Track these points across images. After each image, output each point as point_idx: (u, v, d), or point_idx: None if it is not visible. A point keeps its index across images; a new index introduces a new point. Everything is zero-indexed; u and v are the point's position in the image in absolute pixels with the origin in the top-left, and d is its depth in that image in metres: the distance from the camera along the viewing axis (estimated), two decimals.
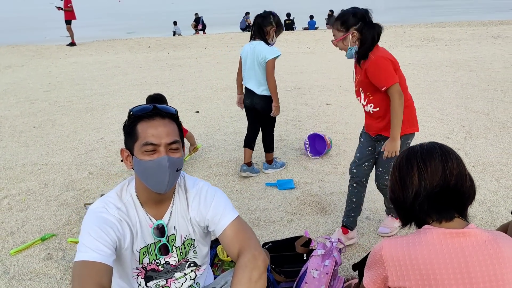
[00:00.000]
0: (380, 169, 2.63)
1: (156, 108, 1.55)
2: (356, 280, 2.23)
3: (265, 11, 3.66)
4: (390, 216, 2.93)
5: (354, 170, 2.72)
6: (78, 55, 12.40)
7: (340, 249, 2.09)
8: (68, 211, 3.27)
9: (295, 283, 2.11)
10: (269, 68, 3.57)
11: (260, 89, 3.67)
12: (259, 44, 3.57)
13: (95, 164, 4.22)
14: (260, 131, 3.92)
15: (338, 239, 2.10)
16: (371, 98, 2.52)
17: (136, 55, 12.12)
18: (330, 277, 1.97)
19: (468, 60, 9.46)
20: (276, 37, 3.68)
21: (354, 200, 2.74)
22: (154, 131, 1.50)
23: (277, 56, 3.60)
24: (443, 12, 27.81)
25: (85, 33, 18.88)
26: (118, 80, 8.53)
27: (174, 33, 18.92)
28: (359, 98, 2.62)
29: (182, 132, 1.62)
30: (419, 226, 1.47)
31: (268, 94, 3.66)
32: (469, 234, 1.35)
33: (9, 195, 3.57)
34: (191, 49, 13.27)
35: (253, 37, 3.65)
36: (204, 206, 1.66)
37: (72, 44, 14.37)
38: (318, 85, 7.53)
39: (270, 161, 3.98)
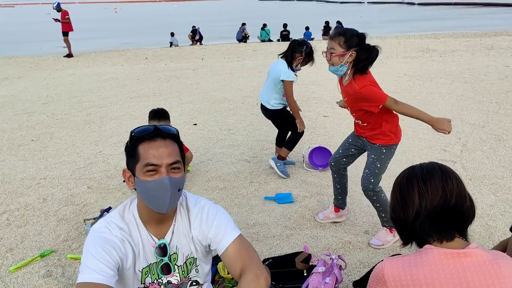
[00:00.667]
0: (367, 171, 2.79)
1: (157, 129, 1.58)
2: None
3: (304, 40, 3.94)
4: (385, 228, 2.96)
5: (333, 163, 3.06)
6: (75, 67, 12.42)
7: (341, 266, 2.10)
8: (67, 226, 3.26)
9: None
10: (287, 90, 3.86)
11: (270, 104, 4.03)
12: (281, 63, 3.87)
13: (93, 178, 4.22)
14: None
15: (339, 255, 2.11)
16: (360, 114, 2.73)
17: (133, 67, 12.15)
18: None
19: (462, 71, 9.55)
20: (301, 66, 3.93)
21: (338, 186, 3.15)
22: (155, 152, 1.52)
23: (293, 80, 3.84)
24: (435, 21, 28.13)
25: (82, 44, 18.93)
26: (115, 92, 8.55)
27: (171, 44, 19.01)
28: (348, 109, 2.84)
29: (183, 151, 1.64)
30: (420, 245, 1.49)
31: (276, 108, 4.00)
32: (470, 254, 1.37)
33: (7, 210, 3.56)
34: (188, 60, 13.33)
35: (282, 55, 3.94)
36: (206, 224, 1.68)
37: (69, 55, 14.40)
38: (315, 97, 7.58)
39: (281, 158, 4.11)
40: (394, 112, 2.65)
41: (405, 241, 1.58)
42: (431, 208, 1.42)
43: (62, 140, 5.48)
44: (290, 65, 3.86)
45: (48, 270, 2.68)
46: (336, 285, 2.03)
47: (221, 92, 8.20)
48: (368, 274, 1.96)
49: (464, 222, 1.45)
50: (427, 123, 2.56)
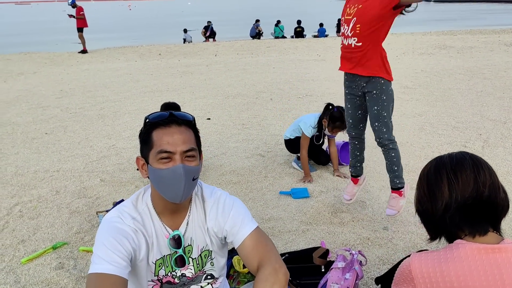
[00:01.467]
0: (376, 124, 2.72)
1: (172, 115, 1.50)
2: None
3: (331, 105, 3.84)
4: (395, 195, 2.90)
5: (353, 133, 3.00)
6: (90, 62, 12.48)
7: (361, 261, 2.01)
8: (80, 219, 3.22)
9: None
10: (301, 141, 3.89)
11: (285, 135, 4.22)
12: (314, 116, 3.92)
13: (106, 171, 4.19)
14: None
15: (359, 251, 2.03)
16: (358, 32, 2.58)
17: (147, 62, 12.17)
18: None
19: (481, 67, 9.34)
20: (326, 130, 3.86)
21: (357, 153, 3.08)
22: (170, 139, 1.44)
23: (307, 136, 3.86)
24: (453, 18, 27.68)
25: (96, 41, 19.05)
26: (129, 87, 8.54)
27: (185, 40, 19.01)
28: (344, 28, 2.68)
29: (199, 139, 1.57)
30: (449, 240, 1.40)
31: (288, 137, 4.17)
32: (506, 250, 1.27)
33: (20, 202, 3.54)
34: (201, 56, 13.30)
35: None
36: (222, 216, 1.61)
37: (84, 51, 14.48)
38: (330, 92, 7.47)
39: None
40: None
41: (433, 236, 1.49)
42: (462, 200, 1.33)
43: (75, 133, 5.47)
44: (320, 123, 3.86)
45: (60, 262, 2.64)
46: (356, 281, 1.94)
47: (234, 88, 8.14)
48: (391, 270, 1.87)
49: (498, 215, 1.36)
50: None
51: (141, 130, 1.53)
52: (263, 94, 7.45)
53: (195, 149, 1.50)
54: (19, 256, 2.74)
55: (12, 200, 3.59)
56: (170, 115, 1.49)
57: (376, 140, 2.79)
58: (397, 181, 2.89)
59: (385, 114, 2.68)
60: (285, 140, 4.20)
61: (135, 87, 8.46)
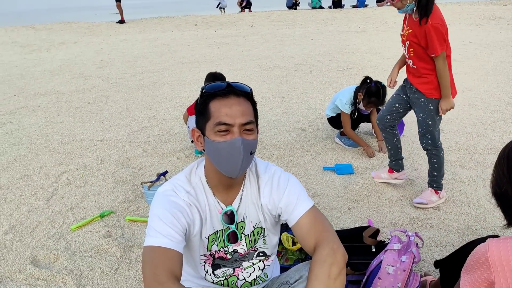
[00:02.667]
0: (420, 130, 2.78)
1: (230, 85, 1.43)
2: (432, 278, 2.06)
3: (369, 79, 3.72)
4: (430, 189, 2.91)
5: (378, 121, 3.01)
6: (127, 33, 12.54)
7: (417, 244, 1.92)
8: (125, 188, 3.26)
9: (365, 277, 1.97)
10: (342, 119, 3.84)
11: (327, 114, 4.11)
12: (349, 92, 3.82)
13: (148, 142, 4.21)
14: None
15: (415, 232, 1.94)
16: (412, 55, 2.66)
17: (183, 33, 12.11)
18: (407, 275, 1.82)
19: None
20: (361, 104, 3.74)
21: (389, 147, 3.06)
22: (228, 110, 1.37)
23: (346, 113, 3.80)
24: None
25: (132, 10, 19.10)
26: (167, 57, 8.54)
27: (219, 6, 18.65)
28: (403, 47, 2.76)
29: (257, 112, 1.50)
30: None
31: (329, 116, 4.08)
32: None
33: (68, 170, 3.62)
34: (237, 27, 13.11)
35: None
36: (277, 193, 1.55)
37: (122, 21, 14.55)
38: (372, 65, 7.20)
39: (344, 134, 4.02)
40: (441, 65, 2.55)
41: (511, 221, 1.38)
42: None
43: (117, 103, 5.52)
44: (355, 97, 3.76)
45: (108, 231, 2.68)
46: (413, 264, 1.86)
47: (272, 60, 7.98)
48: (454, 254, 1.78)
49: None
50: (443, 95, 2.61)
51: (197, 100, 1.47)
52: (302, 67, 7.27)
53: (254, 122, 1.43)
54: (68, 223, 2.80)
55: (60, 168, 3.67)
56: (228, 86, 1.43)
57: (421, 145, 2.86)
58: (434, 185, 2.91)
59: (430, 122, 2.71)
60: (327, 118, 4.10)
61: (172, 58, 8.45)
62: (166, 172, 3.27)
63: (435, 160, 2.83)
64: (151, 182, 3.05)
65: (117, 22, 14.61)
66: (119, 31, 12.88)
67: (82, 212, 2.94)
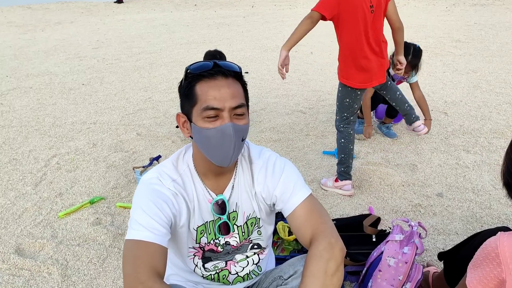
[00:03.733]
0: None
1: (217, 65, 1.29)
2: (434, 268, 1.96)
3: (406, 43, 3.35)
4: (334, 175, 2.86)
5: None
6: (125, 13, 12.29)
7: (420, 234, 1.81)
8: (117, 173, 3.15)
9: (365, 268, 1.87)
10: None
11: None
12: None
13: (143, 124, 4.08)
14: None
15: (418, 222, 1.82)
16: None
17: (182, 13, 11.85)
18: (409, 267, 1.71)
19: None
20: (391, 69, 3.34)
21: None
22: (217, 93, 1.23)
23: None
24: None
25: None
26: (165, 38, 8.34)
27: None
28: None
29: (247, 94, 1.36)
30: None
31: None
32: None
33: (58, 154, 3.49)
34: (238, 7, 12.83)
35: None
36: (272, 180, 1.42)
37: (120, 1, 14.27)
38: None
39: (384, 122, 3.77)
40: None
41: None
42: None
43: (112, 85, 5.38)
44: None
45: (97, 218, 2.58)
46: (415, 256, 1.75)
47: (273, 40, 7.79)
48: (459, 246, 1.67)
49: None
50: None
51: (181, 82, 1.33)
52: (302, 48, 7.08)
53: (245, 105, 1.30)
54: (56, 209, 2.69)
55: (50, 151, 3.55)
56: (215, 65, 1.29)
57: None
58: (338, 171, 2.84)
59: (337, 101, 2.71)
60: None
61: (171, 39, 8.25)
62: (159, 156, 3.16)
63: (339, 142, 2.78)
64: (143, 167, 2.94)
65: (115, 2, 14.32)
66: (117, 11, 12.62)
67: (71, 198, 2.83)
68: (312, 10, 2.37)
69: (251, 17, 10.72)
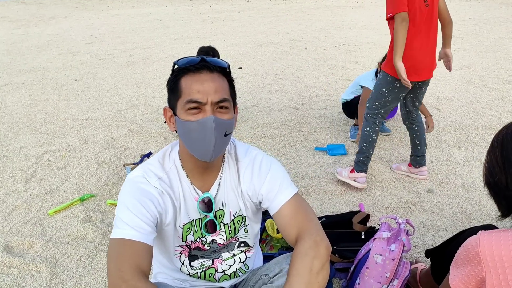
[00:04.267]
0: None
1: (204, 60, 1.29)
2: (423, 265, 1.97)
3: None
4: (352, 166, 2.86)
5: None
6: (120, 7, 12.22)
7: (408, 231, 1.82)
8: (108, 170, 3.14)
9: (353, 266, 1.87)
10: (362, 96, 3.47)
11: (342, 98, 3.79)
12: (372, 71, 3.57)
13: (135, 121, 4.07)
14: None
15: (406, 219, 1.83)
16: None
17: (177, 8, 11.81)
18: (396, 264, 1.72)
19: None
20: None
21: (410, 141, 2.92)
22: (200, 87, 1.24)
23: (369, 88, 3.43)
24: None
25: None
26: (159, 33, 8.30)
27: None
28: None
29: (234, 90, 1.36)
30: None
31: (344, 101, 3.74)
32: None
33: (49, 151, 3.48)
34: (233, 2, 12.79)
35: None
36: (258, 178, 1.42)
37: None
38: (369, 41, 7.02)
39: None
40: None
41: (505, 212, 1.26)
42: None
43: (105, 81, 5.35)
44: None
45: (87, 215, 2.57)
46: (403, 253, 1.76)
47: (267, 36, 7.77)
48: (445, 243, 1.67)
49: None
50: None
51: (169, 77, 1.34)
52: (297, 43, 7.07)
53: (229, 100, 1.30)
54: (46, 207, 2.68)
55: (41, 148, 3.53)
56: (201, 60, 1.29)
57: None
58: (355, 160, 2.83)
59: (373, 90, 2.67)
60: (342, 104, 3.76)
61: (165, 34, 8.22)
62: (150, 153, 3.15)
63: (363, 131, 2.74)
64: (134, 164, 2.93)
65: None
66: (111, 6, 12.55)
67: (61, 195, 2.82)
68: (395, 14, 2.35)
69: (246, 12, 10.69)
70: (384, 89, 2.57)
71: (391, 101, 2.59)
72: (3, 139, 3.71)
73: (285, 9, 10.95)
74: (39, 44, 7.62)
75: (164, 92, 4.81)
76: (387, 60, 2.55)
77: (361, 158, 2.73)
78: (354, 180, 2.80)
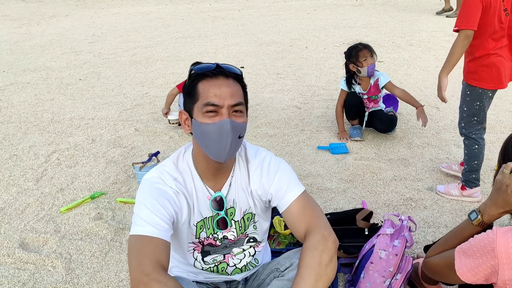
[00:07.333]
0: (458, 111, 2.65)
1: (219, 66, 1.39)
2: None
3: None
4: (458, 182, 2.72)
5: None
6: (120, 6, 12.26)
7: (410, 227, 1.90)
8: (116, 169, 3.21)
9: (358, 261, 1.96)
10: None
11: None
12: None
13: (140, 120, 4.14)
14: None
15: (409, 216, 1.91)
16: None
17: (177, 6, 11.85)
18: (399, 259, 1.80)
19: None
20: (356, 70, 3.48)
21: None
22: (217, 91, 1.33)
23: (342, 89, 3.67)
24: None
25: None
26: (160, 32, 8.36)
27: None
28: None
29: (247, 95, 1.45)
30: None
31: None
32: None
33: (58, 150, 3.55)
34: (233, 0, 12.83)
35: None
36: (267, 178, 1.51)
37: None
38: (368, 40, 7.04)
39: None
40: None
41: None
42: None
43: (109, 80, 5.42)
44: (351, 78, 3.58)
45: (98, 213, 2.65)
46: (405, 249, 1.84)
47: (268, 34, 7.83)
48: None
49: None
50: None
51: (186, 82, 1.42)
52: (298, 42, 7.14)
53: (243, 104, 1.39)
54: (58, 204, 2.76)
55: (50, 147, 3.61)
56: (217, 67, 1.38)
57: None
58: (462, 178, 2.71)
59: (464, 107, 2.57)
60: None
61: (166, 33, 8.27)
62: (158, 152, 3.23)
63: (465, 152, 2.62)
64: (142, 163, 3.00)
65: None
66: (111, 4, 12.59)
67: (72, 193, 2.90)
68: (461, 29, 2.27)
69: (246, 10, 10.73)
70: (478, 103, 2.46)
71: (486, 110, 2.53)
72: (12, 138, 3.78)
73: (284, 7, 11.00)
74: (42, 43, 7.68)
75: (168, 91, 4.87)
76: (469, 71, 2.45)
77: (473, 176, 2.62)
78: (469, 196, 2.69)
